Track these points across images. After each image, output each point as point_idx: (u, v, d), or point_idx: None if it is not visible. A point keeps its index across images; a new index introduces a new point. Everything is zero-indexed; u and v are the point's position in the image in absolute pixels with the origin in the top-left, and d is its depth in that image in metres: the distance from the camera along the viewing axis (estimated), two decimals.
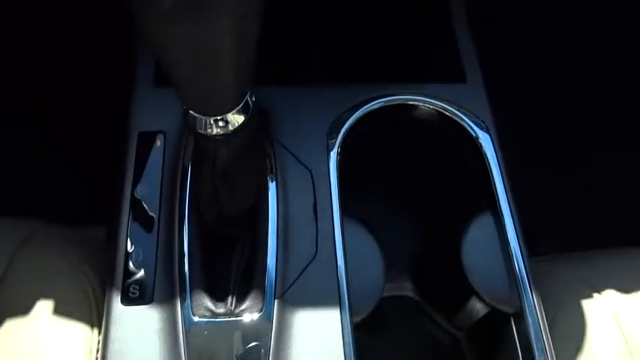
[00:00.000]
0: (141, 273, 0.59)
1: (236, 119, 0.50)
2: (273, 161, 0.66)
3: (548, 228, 1.17)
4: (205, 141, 0.53)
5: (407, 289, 0.81)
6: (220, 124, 0.49)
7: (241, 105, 0.50)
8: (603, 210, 1.28)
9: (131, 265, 0.60)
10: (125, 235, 0.61)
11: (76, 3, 1.26)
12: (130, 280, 0.59)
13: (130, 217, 0.62)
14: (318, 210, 0.64)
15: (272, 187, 0.64)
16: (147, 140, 0.66)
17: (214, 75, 0.44)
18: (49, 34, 1.34)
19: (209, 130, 0.50)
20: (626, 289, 0.74)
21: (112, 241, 0.62)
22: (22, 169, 1.23)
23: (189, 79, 0.45)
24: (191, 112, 0.50)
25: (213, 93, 0.47)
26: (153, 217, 0.62)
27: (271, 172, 0.65)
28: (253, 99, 0.52)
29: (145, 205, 0.63)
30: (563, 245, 0.89)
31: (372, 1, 0.82)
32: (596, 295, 0.73)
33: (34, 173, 1.22)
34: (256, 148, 0.62)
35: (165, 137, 0.67)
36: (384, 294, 0.65)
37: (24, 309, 0.64)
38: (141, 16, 0.37)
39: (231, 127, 0.50)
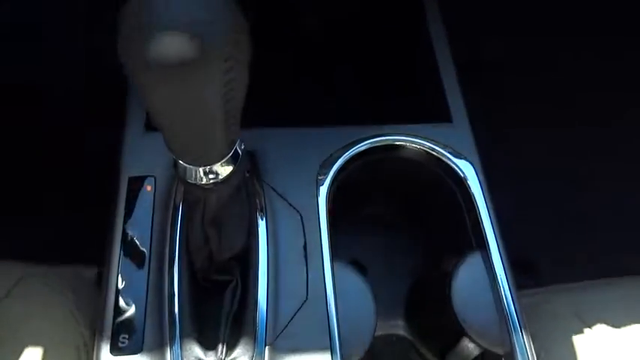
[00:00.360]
0: (130, 321, 0.59)
1: (225, 170, 0.50)
2: (263, 204, 0.66)
3: (538, 258, 1.17)
4: (194, 189, 0.54)
5: (399, 328, 0.81)
6: (210, 176, 0.50)
7: (230, 155, 0.50)
8: (593, 240, 1.29)
9: (121, 312, 0.59)
10: (115, 282, 0.61)
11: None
12: (120, 328, 0.58)
13: (120, 263, 0.62)
14: (308, 252, 0.64)
15: (262, 230, 0.64)
16: (137, 185, 0.67)
17: (202, 128, 0.44)
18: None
19: (198, 181, 0.51)
20: (615, 322, 0.74)
21: (101, 288, 0.62)
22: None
23: (178, 132, 0.45)
24: (180, 162, 0.50)
25: (201, 145, 0.47)
26: (143, 264, 0.62)
27: (261, 213, 0.65)
28: (242, 147, 0.52)
29: (134, 252, 0.63)
30: (553, 276, 0.89)
31: (359, 44, 0.84)
32: (586, 329, 0.73)
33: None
34: (245, 192, 0.62)
35: (155, 182, 0.67)
36: (376, 333, 0.65)
37: (13, 357, 0.63)
38: (131, 74, 0.37)
39: (220, 177, 0.51)
